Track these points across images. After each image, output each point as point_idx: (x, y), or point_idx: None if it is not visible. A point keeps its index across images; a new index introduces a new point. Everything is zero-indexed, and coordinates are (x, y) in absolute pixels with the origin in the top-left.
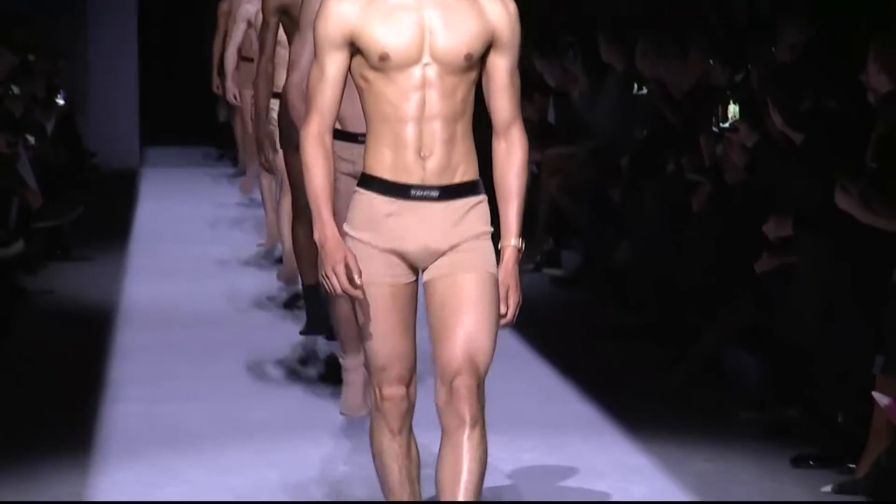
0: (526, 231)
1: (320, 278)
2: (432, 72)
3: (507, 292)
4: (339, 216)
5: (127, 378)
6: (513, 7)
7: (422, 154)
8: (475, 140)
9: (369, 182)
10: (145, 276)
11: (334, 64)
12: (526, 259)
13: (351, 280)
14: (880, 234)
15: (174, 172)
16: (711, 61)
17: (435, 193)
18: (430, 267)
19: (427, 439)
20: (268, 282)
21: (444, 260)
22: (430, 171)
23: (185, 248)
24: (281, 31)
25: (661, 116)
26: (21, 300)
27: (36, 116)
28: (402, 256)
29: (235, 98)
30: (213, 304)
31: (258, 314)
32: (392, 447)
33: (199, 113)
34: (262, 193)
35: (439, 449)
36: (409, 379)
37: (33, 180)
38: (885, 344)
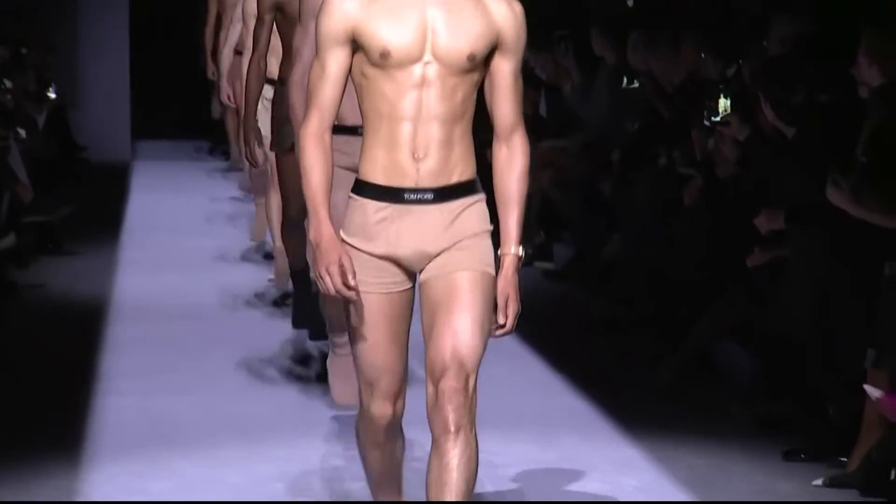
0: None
1: (314, 276)
2: (433, 71)
3: (507, 301)
4: (337, 210)
5: (118, 371)
6: (519, 9)
7: (416, 156)
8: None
9: (363, 188)
10: (137, 270)
11: (336, 61)
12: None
13: (345, 281)
14: (872, 227)
15: (166, 166)
16: (703, 55)
17: (429, 196)
18: (426, 269)
19: (424, 438)
20: (260, 276)
21: (439, 260)
22: (424, 173)
23: (177, 241)
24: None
25: (652, 110)
26: (12, 294)
27: (27, 110)
28: (396, 262)
29: (229, 98)
30: (205, 297)
31: (250, 308)
32: (375, 453)
33: (191, 106)
34: (254, 188)
35: (429, 454)
36: (398, 393)
37: (24, 174)
38: (876, 337)
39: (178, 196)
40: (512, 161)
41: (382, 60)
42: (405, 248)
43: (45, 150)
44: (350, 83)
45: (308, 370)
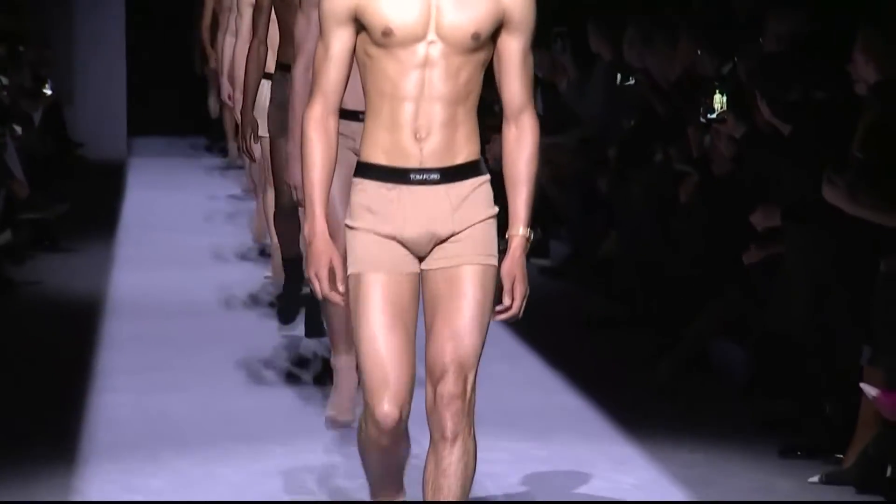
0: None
1: (307, 277)
2: (436, 50)
3: (513, 283)
4: (337, 191)
5: (115, 368)
6: None
7: (417, 136)
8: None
9: (367, 170)
10: (133, 267)
11: (339, 41)
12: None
13: (334, 287)
14: (868, 224)
15: (162, 163)
16: (699, 52)
17: (435, 176)
18: (430, 256)
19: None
20: (256, 274)
21: (443, 249)
22: (427, 153)
23: (174, 238)
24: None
25: (648, 107)
26: (8, 291)
27: (23, 106)
28: (403, 244)
29: (230, 97)
30: (202, 294)
31: (247, 305)
32: (375, 456)
33: (187, 103)
34: (253, 185)
35: (427, 452)
36: (406, 398)
37: (20, 170)
38: (872, 334)
39: (175, 193)
40: (521, 142)
41: (385, 39)
42: (413, 229)
43: (40, 147)
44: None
45: (305, 371)
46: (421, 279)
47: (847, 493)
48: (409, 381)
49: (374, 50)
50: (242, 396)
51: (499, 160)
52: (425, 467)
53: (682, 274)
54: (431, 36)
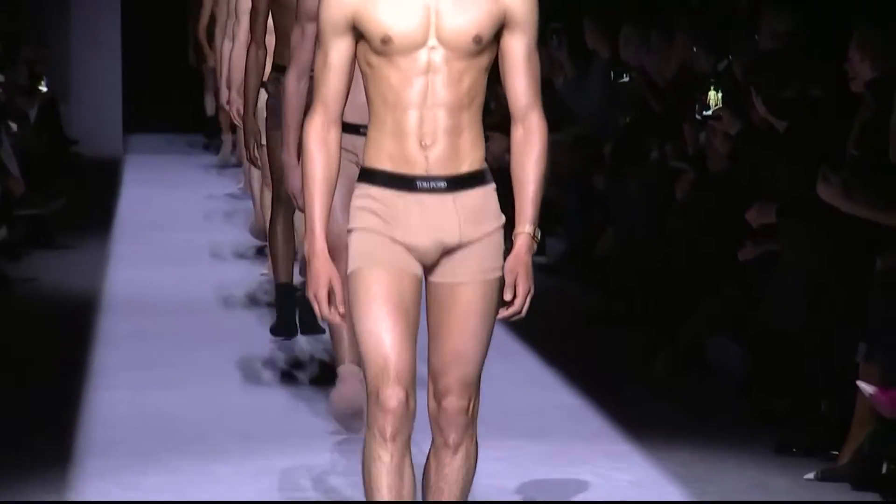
0: (509, 218)
1: (308, 296)
2: (438, 56)
3: (516, 279)
4: (339, 204)
5: (110, 365)
6: None
7: (423, 143)
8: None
9: (372, 175)
10: (129, 264)
11: (338, 51)
12: (510, 247)
13: (335, 308)
14: (864, 221)
15: (159, 160)
16: (695, 49)
17: (442, 184)
18: (436, 268)
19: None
20: (253, 271)
21: (450, 263)
22: (433, 161)
23: (169, 235)
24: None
25: (644, 104)
26: (4, 288)
27: (19, 104)
28: (410, 250)
29: (227, 102)
30: (198, 292)
31: (243, 303)
32: (383, 457)
33: (183, 100)
34: (251, 186)
35: (428, 456)
36: (408, 381)
37: (16, 167)
38: (868, 331)
39: (171, 191)
40: (528, 143)
41: (384, 47)
42: (420, 238)
43: (36, 144)
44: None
45: (302, 370)
46: (425, 288)
47: (843, 490)
48: (413, 367)
49: (374, 59)
50: (238, 394)
51: (498, 159)
52: (426, 468)
53: (679, 270)
54: (432, 42)
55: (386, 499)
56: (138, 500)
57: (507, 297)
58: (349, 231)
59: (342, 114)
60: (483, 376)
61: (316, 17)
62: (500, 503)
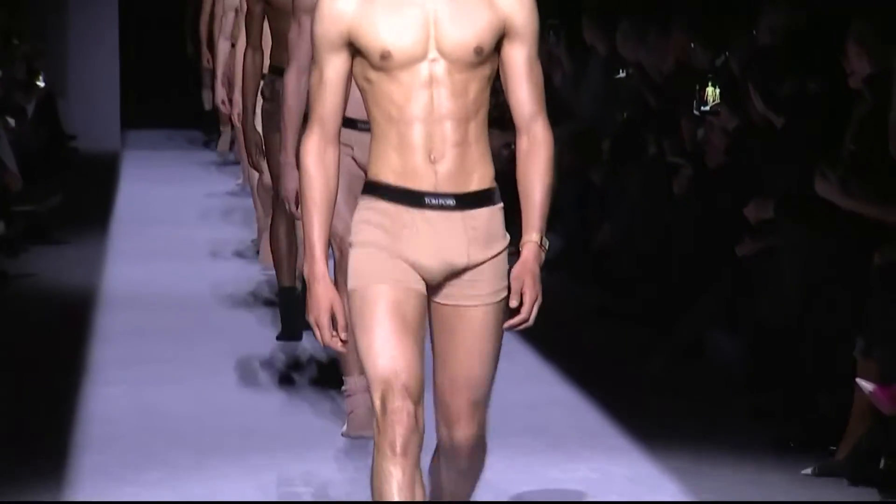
0: (508, 214)
1: (308, 320)
2: (440, 68)
3: (522, 287)
4: (340, 200)
5: (108, 361)
6: None
7: (431, 157)
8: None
9: (376, 189)
10: (127, 260)
11: (334, 67)
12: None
13: (336, 334)
14: (861, 217)
15: (157, 156)
16: (692, 44)
17: (451, 202)
18: (442, 289)
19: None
20: (250, 267)
21: (457, 286)
22: (442, 176)
23: (167, 231)
24: None
25: (642, 100)
26: (2, 283)
27: (16, 99)
28: (416, 269)
29: (224, 104)
30: (196, 288)
31: (241, 299)
32: (394, 472)
33: (182, 95)
34: (251, 185)
35: (431, 459)
36: (417, 394)
37: (13, 163)
38: (865, 326)
39: (170, 187)
40: (534, 153)
41: (384, 62)
42: (429, 257)
43: (34, 139)
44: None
45: (299, 367)
46: (430, 309)
47: (840, 486)
48: (420, 377)
49: (373, 74)
50: (236, 390)
51: (495, 156)
52: (430, 471)
53: (676, 266)
54: (433, 54)
55: None
56: (136, 501)
57: (514, 304)
58: (351, 245)
59: (339, 131)
60: None
61: (313, 10)
62: (499, 503)
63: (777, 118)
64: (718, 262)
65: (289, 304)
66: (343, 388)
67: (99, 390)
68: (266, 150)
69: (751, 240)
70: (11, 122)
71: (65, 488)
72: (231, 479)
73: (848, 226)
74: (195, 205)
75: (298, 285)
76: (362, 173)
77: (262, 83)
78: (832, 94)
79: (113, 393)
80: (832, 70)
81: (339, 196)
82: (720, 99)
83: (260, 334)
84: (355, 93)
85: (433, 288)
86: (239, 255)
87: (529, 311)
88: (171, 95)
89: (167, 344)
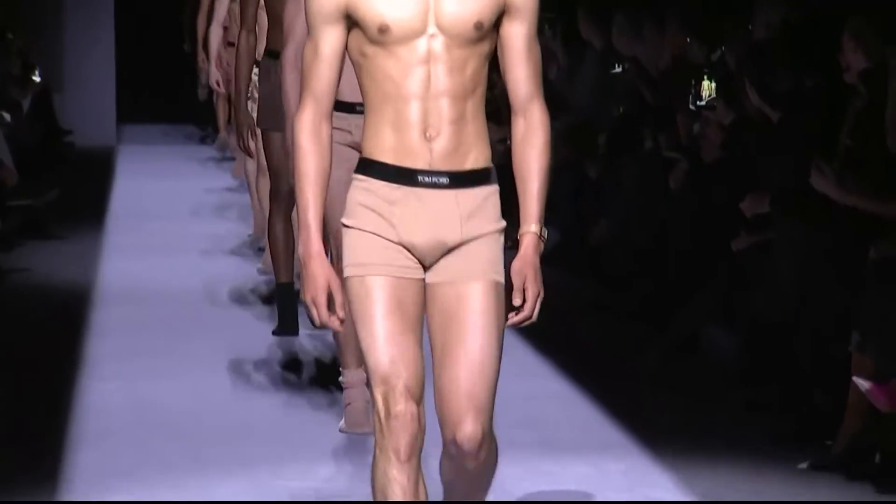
0: (504, 209)
1: (303, 300)
2: (438, 44)
3: (524, 283)
4: (333, 190)
5: (103, 356)
6: None
7: (427, 135)
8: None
9: (370, 167)
10: (122, 255)
11: (329, 41)
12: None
13: (334, 312)
14: (857, 211)
15: (153, 151)
16: (688, 39)
17: (444, 180)
18: (435, 266)
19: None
20: (247, 261)
21: (451, 260)
22: (437, 154)
23: (163, 226)
24: None
25: (638, 94)
26: None
27: (12, 94)
28: (409, 249)
29: (218, 84)
30: (192, 282)
31: (237, 293)
32: (398, 478)
33: (178, 90)
34: (247, 180)
35: (440, 462)
36: (419, 394)
37: (9, 158)
38: (860, 321)
39: (165, 182)
40: (530, 135)
41: (381, 36)
42: (421, 235)
43: (29, 134)
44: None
45: (297, 364)
46: (427, 292)
47: (836, 480)
48: (420, 376)
49: (370, 48)
50: (232, 384)
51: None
52: (441, 472)
53: (672, 260)
54: (432, 29)
55: None
56: (134, 501)
57: (517, 301)
58: (344, 225)
59: (332, 107)
60: None
61: None
62: (497, 503)
63: (773, 113)
64: (714, 256)
65: (286, 300)
66: (340, 378)
67: (94, 384)
68: (264, 144)
69: (746, 234)
70: (7, 116)
71: (60, 483)
72: (227, 474)
73: (844, 220)
74: (191, 200)
75: (297, 283)
76: None
77: (259, 71)
78: (828, 89)
79: (109, 388)
80: (828, 65)
81: (337, 189)
82: (716, 93)
83: (256, 329)
84: (353, 76)
85: (429, 266)
86: (235, 248)
87: (533, 307)
88: (167, 90)
89: (163, 339)
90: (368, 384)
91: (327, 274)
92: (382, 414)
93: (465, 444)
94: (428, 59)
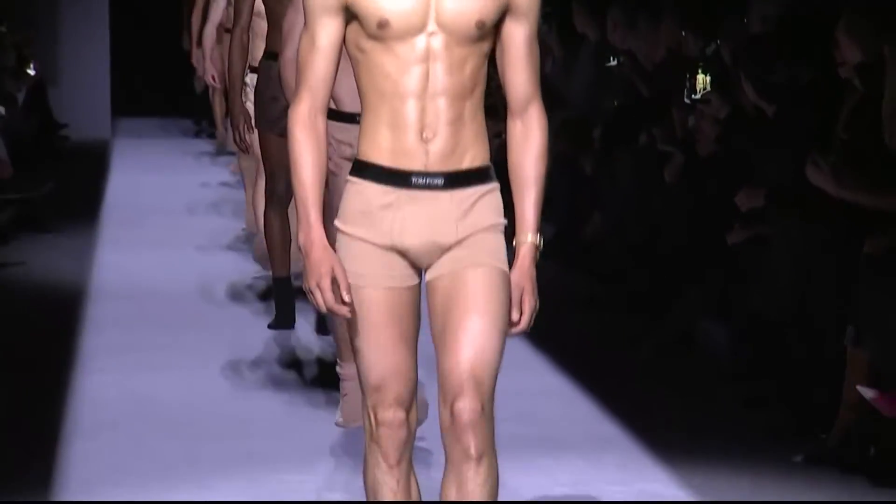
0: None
1: (305, 289)
2: (438, 42)
3: (522, 295)
4: (337, 196)
5: (98, 349)
6: None
7: (424, 136)
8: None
9: (364, 169)
10: (117, 249)
11: (327, 32)
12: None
13: (339, 295)
14: (853, 205)
15: (149, 144)
16: (683, 32)
17: (440, 181)
18: (434, 265)
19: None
20: (242, 256)
21: (449, 256)
22: (433, 155)
23: (159, 220)
24: (258, 2)
25: (633, 88)
26: None
27: (7, 87)
28: (403, 254)
29: (214, 80)
30: (187, 277)
31: (232, 288)
32: (388, 482)
33: (173, 83)
34: (242, 176)
35: (443, 478)
36: (409, 402)
37: (4, 151)
38: (856, 315)
39: (161, 176)
40: (527, 139)
41: (380, 31)
42: (413, 238)
43: (24, 128)
44: (346, 61)
45: (292, 358)
46: (427, 289)
47: (831, 474)
48: (413, 386)
49: (367, 44)
50: (226, 377)
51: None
52: (443, 487)
53: (667, 254)
54: (432, 26)
55: None
56: (132, 500)
57: (514, 315)
58: (339, 230)
59: (328, 101)
60: None
61: None
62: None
63: (768, 106)
64: (709, 250)
65: (283, 294)
66: (338, 369)
67: (89, 378)
68: (261, 145)
69: (741, 228)
70: (2, 110)
71: (55, 476)
72: (223, 470)
73: (839, 214)
74: (187, 194)
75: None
76: None
77: (258, 75)
78: (824, 83)
79: (103, 380)
80: (823, 59)
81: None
82: (711, 87)
83: (252, 323)
84: (354, 85)
85: (426, 267)
86: (231, 245)
87: (529, 321)
88: (162, 84)
89: (158, 333)
90: (361, 386)
91: (331, 260)
92: (372, 422)
93: (463, 414)
94: (427, 56)
